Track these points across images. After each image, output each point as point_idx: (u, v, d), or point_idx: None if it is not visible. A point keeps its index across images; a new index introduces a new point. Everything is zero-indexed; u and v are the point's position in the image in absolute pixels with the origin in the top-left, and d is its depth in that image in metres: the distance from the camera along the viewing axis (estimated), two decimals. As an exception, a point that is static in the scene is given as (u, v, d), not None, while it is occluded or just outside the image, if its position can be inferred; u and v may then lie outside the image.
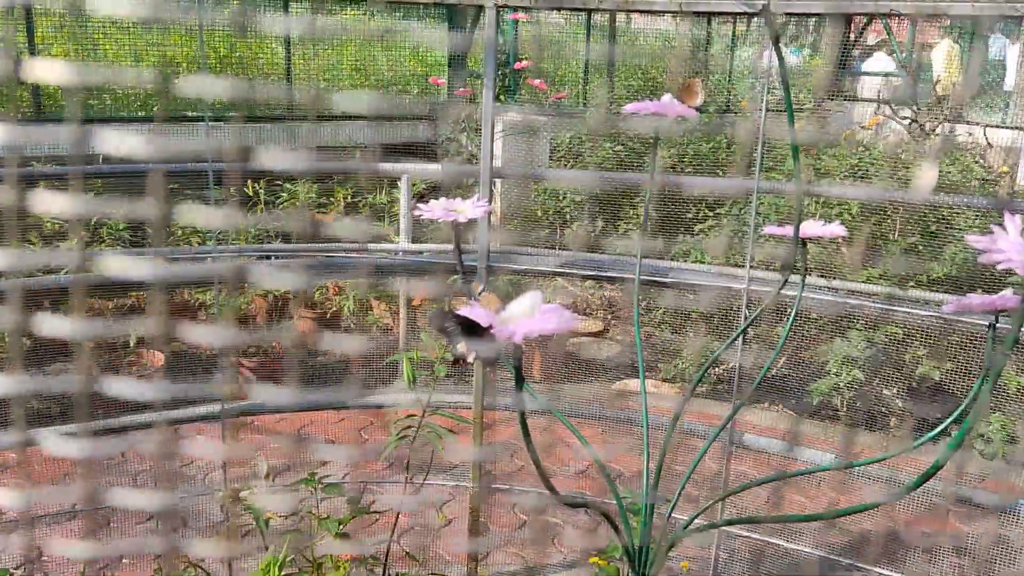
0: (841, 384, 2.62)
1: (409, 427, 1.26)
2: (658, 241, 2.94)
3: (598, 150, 3.39)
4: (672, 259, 2.85)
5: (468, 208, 0.78)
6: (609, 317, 3.56)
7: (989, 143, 3.76)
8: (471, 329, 0.49)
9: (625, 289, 3.65)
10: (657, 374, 3.03)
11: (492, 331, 0.48)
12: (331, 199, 3.37)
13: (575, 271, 1.90)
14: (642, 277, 1.90)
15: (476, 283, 0.53)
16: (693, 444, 1.95)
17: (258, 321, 3.01)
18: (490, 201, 1.84)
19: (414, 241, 2.54)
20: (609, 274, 1.82)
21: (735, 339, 0.73)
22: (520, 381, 0.52)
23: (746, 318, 1.64)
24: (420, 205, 0.77)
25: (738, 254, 2.98)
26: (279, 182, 3.32)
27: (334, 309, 3.02)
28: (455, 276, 2.35)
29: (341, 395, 2.06)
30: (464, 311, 0.50)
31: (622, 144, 3.53)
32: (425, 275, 2.91)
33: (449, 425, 1.28)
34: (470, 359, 0.49)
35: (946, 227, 2.79)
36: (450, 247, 2.07)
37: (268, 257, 2.21)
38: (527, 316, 0.50)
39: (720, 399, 2.78)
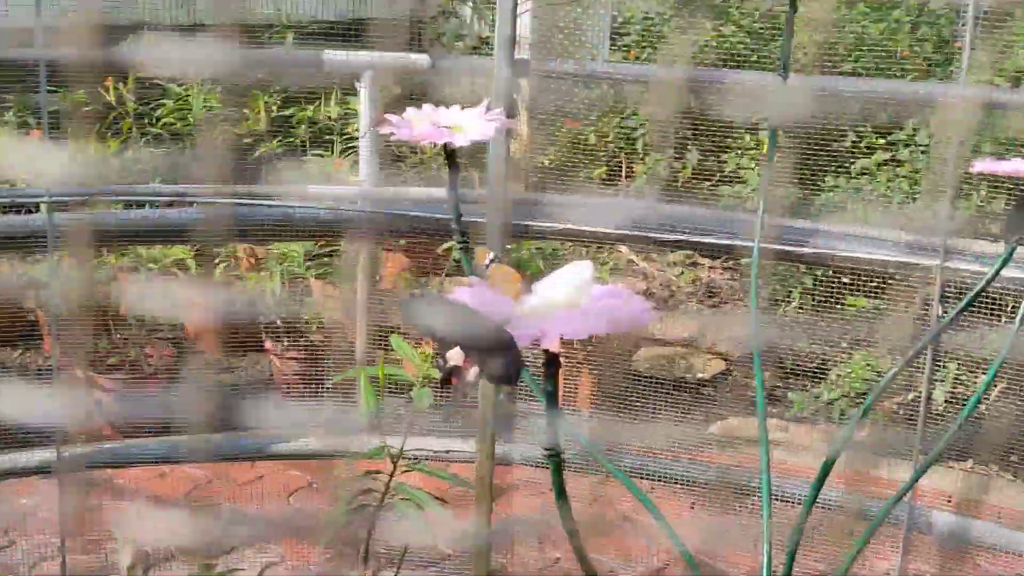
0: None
1: (369, 491, 1.27)
2: (791, 189, 2.91)
3: (692, 31, 3.37)
4: (814, 218, 2.82)
5: (472, 121, 0.77)
6: (707, 312, 3.55)
7: None
8: (473, 327, 0.48)
9: (737, 267, 3.63)
10: (786, 409, 3.01)
11: (508, 329, 0.47)
12: (247, 112, 3.38)
13: (650, 234, 1.88)
14: (766, 246, 1.88)
15: (483, 250, 0.52)
16: (844, 526, 1.94)
17: (122, 312, 3.02)
18: (511, 115, 1.82)
19: (384, 183, 2.53)
20: (708, 239, 1.80)
21: (920, 351, 0.71)
22: (555, 414, 0.51)
23: (939, 317, 1.62)
24: (391, 118, 0.77)
25: (926, 209, 2.95)
26: (158, 82, 3.32)
27: (250, 290, 3.03)
28: (452, 241, 2.33)
29: (259, 436, 2.07)
30: (461, 295, 0.49)
31: (732, 21, 3.50)
32: (401, 238, 2.92)
33: (436, 488, 1.29)
34: (469, 377, 0.48)
35: None
36: (440, 193, 2.06)
37: (143, 205, 2.21)
38: (568, 304, 0.49)
39: (890, 452, 2.76)
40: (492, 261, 0.56)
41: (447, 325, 0.48)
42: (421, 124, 0.77)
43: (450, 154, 0.79)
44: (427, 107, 0.78)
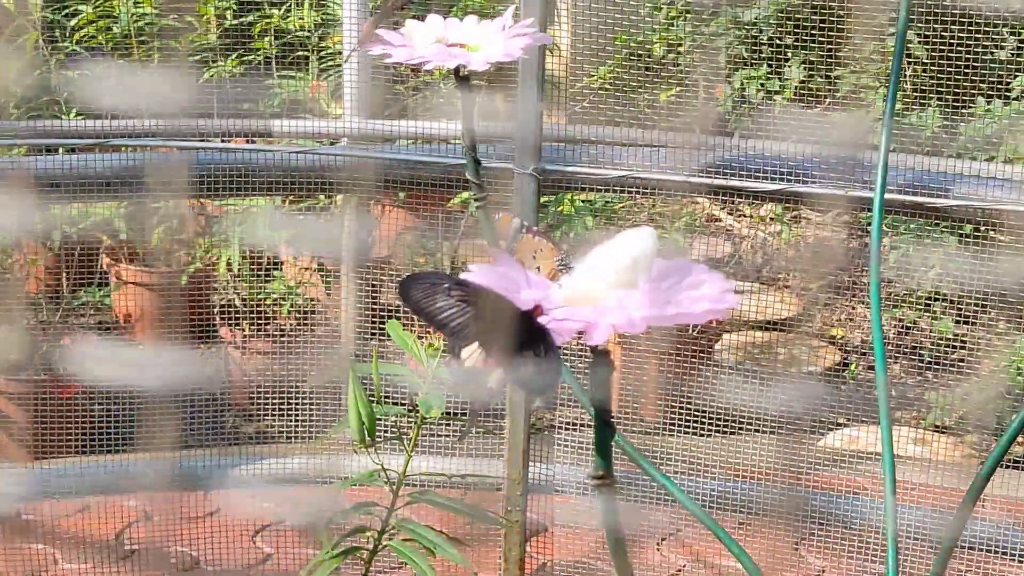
0: None
1: (362, 530, 1.28)
2: (927, 115, 2.90)
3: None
4: (958, 156, 2.81)
5: (492, 38, 0.78)
6: (816, 284, 3.54)
7: None
8: (494, 316, 0.49)
9: (855, 221, 3.61)
10: (925, 414, 3.00)
11: (540, 320, 0.48)
12: (192, 20, 3.39)
13: (737, 183, 1.87)
14: (899, 198, 1.87)
15: (506, 215, 0.53)
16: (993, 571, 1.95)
17: (32, 290, 3.04)
18: (545, 26, 1.81)
19: (376, 116, 2.54)
20: (812, 188, 1.80)
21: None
22: (605, 435, 0.52)
23: None
24: (384, 33, 0.77)
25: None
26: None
27: (199, 267, 3.05)
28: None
29: (214, 455, 2.09)
30: (479, 274, 0.50)
31: None
32: (401, 189, 2.92)
33: (450, 526, 1.30)
34: (491, 384, 0.49)
35: None
36: (454, 128, 2.06)
37: (50, 150, 2.22)
38: (621, 285, 0.50)
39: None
40: (521, 229, 0.57)
41: (460, 314, 0.48)
42: (424, 42, 0.77)
43: (463, 80, 0.79)
44: (432, 18, 0.79)
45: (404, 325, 1.44)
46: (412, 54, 0.76)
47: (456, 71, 0.78)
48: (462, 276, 0.51)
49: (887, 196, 1.77)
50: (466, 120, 0.81)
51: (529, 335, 0.49)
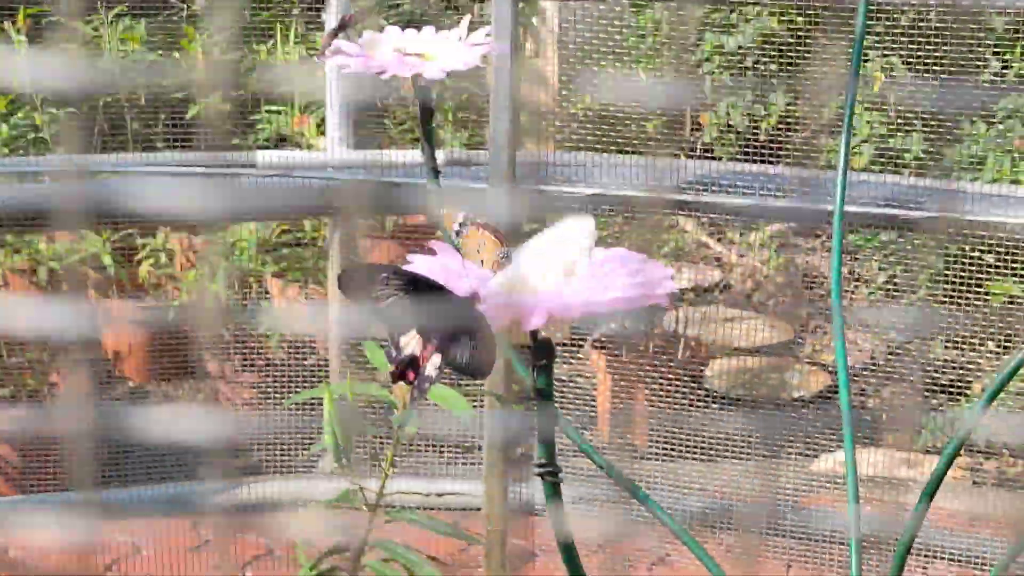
0: None
1: (340, 550, 1.28)
2: (912, 138, 2.90)
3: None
4: (945, 175, 2.81)
5: (449, 47, 0.78)
6: (807, 314, 3.53)
7: None
8: (432, 304, 0.49)
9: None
10: (915, 438, 3.00)
11: (478, 306, 0.48)
12: (178, 56, 3.39)
13: (723, 199, 1.88)
14: (869, 210, 1.88)
15: (449, 212, 0.54)
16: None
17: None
18: (517, 35, 1.82)
19: (360, 144, 2.54)
20: (797, 203, 1.81)
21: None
22: (547, 425, 0.52)
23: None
24: (343, 45, 0.78)
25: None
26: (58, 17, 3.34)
27: (186, 293, 3.05)
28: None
29: (200, 484, 2.09)
30: (416, 264, 0.50)
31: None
32: (386, 216, 2.92)
33: (430, 545, 1.30)
34: (429, 371, 0.49)
35: None
36: (440, 157, 2.07)
37: (26, 173, 2.22)
38: (560, 273, 0.50)
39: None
40: (464, 224, 0.58)
41: (397, 298, 0.49)
42: (382, 52, 0.77)
43: (421, 91, 0.79)
44: (391, 30, 0.79)
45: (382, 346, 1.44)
46: (369, 63, 0.77)
47: (414, 82, 0.78)
48: (401, 266, 0.52)
49: (859, 209, 1.79)
50: (425, 134, 0.81)
51: (466, 322, 0.50)
